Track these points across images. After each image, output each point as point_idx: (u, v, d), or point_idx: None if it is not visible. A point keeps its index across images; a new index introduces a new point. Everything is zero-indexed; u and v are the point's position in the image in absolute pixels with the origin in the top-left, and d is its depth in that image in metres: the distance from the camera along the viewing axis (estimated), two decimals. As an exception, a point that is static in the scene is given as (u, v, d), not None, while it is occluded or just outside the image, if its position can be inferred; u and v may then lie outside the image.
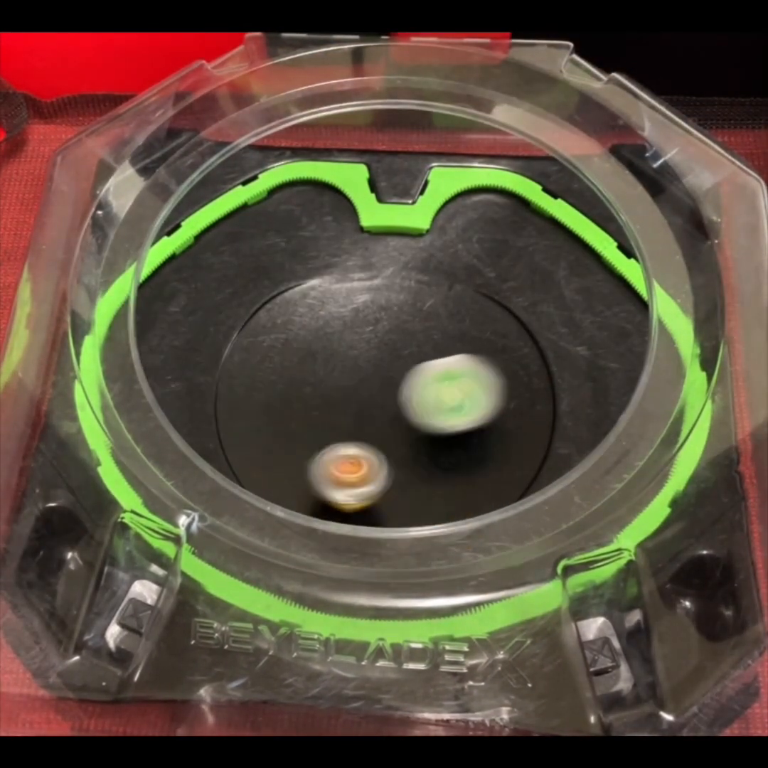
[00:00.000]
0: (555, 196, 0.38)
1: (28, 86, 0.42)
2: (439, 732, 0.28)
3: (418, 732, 0.29)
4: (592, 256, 0.37)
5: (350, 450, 0.32)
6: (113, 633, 0.29)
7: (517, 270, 0.37)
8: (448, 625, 0.29)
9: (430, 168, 0.39)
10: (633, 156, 0.36)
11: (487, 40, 0.38)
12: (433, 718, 0.28)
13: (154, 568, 0.30)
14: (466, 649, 0.29)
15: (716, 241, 0.34)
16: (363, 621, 0.29)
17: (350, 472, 0.31)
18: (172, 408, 0.34)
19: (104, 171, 0.36)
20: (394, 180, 0.39)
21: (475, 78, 0.37)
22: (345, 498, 0.31)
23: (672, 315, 0.33)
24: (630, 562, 0.29)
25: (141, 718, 0.30)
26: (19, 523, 0.31)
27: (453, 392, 0.32)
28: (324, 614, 0.29)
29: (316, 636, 0.29)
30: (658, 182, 0.35)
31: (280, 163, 0.39)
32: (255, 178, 0.39)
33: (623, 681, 0.28)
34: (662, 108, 0.36)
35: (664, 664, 0.28)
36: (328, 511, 0.32)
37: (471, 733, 0.28)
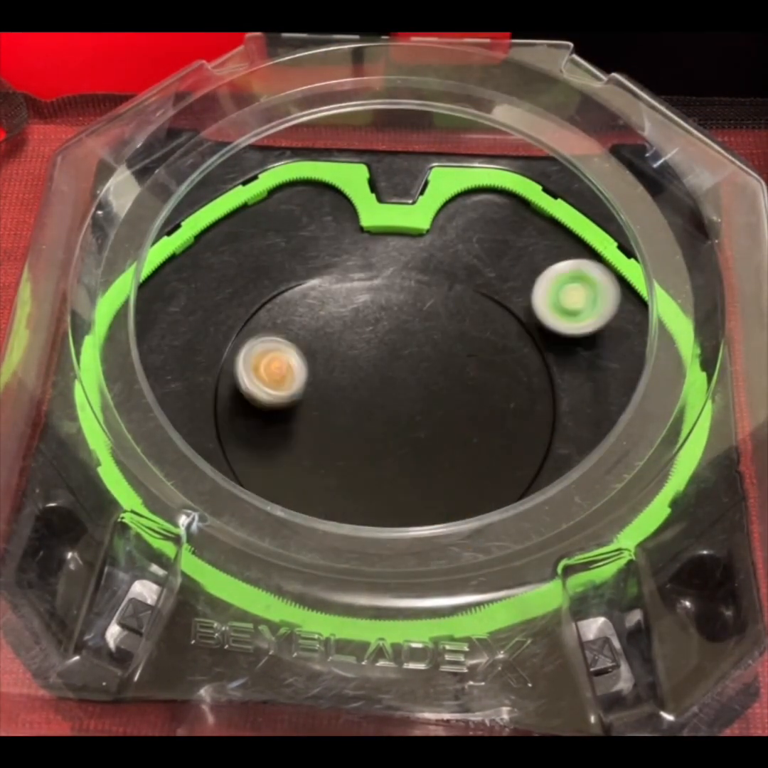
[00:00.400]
0: (555, 196, 0.38)
1: (28, 86, 0.42)
2: (439, 732, 0.28)
3: (418, 732, 0.29)
4: (592, 256, 0.37)
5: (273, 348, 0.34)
6: (113, 633, 0.29)
7: (517, 270, 0.37)
8: (448, 625, 0.29)
9: (430, 168, 0.39)
10: (633, 156, 0.36)
11: (487, 40, 0.38)
12: (433, 718, 0.28)
13: (154, 568, 0.30)
14: (466, 649, 0.29)
15: (716, 241, 0.34)
16: (363, 621, 0.29)
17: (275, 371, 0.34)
18: (172, 408, 0.34)
19: (104, 171, 0.36)
20: (394, 180, 0.39)
21: (475, 78, 0.37)
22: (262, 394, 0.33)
23: (672, 315, 0.33)
24: (630, 562, 0.29)
25: (141, 718, 0.30)
26: (19, 523, 0.31)
27: (575, 296, 0.34)
28: (324, 614, 0.29)
29: (316, 636, 0.29)
30: (658, 182, 0.35)
31: (280, 163, 0.39)
32: (255, 178, 0.39)
33: (623, 681, 0.28)
34: (662, 108, 0.36)
35: (664, 664, 0.28)
36: (329, 511, 0.32)
37: (471, 733, 0.28)
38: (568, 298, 0.34)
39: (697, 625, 0.29)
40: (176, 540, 0.30)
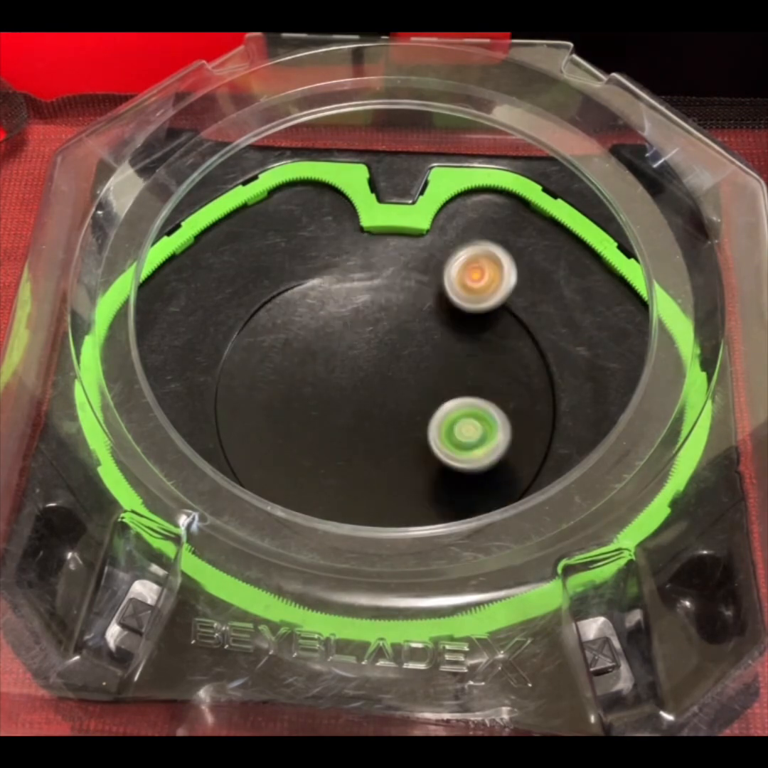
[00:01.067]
0: (555, 196, 0.38)
1: (28, 86, 0.42)
2: (439, 732, 0.28)
3: (418, 732, 0.29)
4: (592, 256, 0.37)
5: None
6: (113, 633, 0.29)
7: (517, 270, 0.37)
8: (448, 625, 0.29)
9: (430, 168, 0.39)
10: (633, 156, 0.36)
11: (487, 40, 0.38)
12: (433, 718, 0.28)
13: (155, 568, 0.30)
14: (466, 648, 0.29)
15: (716, 241, 0.34)
16: (363, 621, 0.29)
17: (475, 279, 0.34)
18: (172, 408, 0.34)
19: (104, 171, 0.36)
20: (394, 180, 0.39)
21: (475, 78, 0.37)
22: None
23: (672, 315, 0.33)
24: (630, 562, 0.29)
25: (141, 718, 0.30)
26: (19, 523, 0.31)
27: (469, 429, 0.33)
28: (324, 614, 0.29)
29: (316, 636, 0.29)
30: (658, 182, 0.35)
31: (280, 163, 0.39)
32: (255, 178, 0.39)
33: (623, 681, 0.28)
34: (662, 108, 0.36)
35: (664, 664, 0.28)
36: (329, 511, 0.32)
37: (471, 733, 0.28)
38: (462, 431, 0.33)
39: (697, 625, 0.29)
40: (176, 540, 0.30)
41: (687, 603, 0.29)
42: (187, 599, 0.30)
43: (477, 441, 0.32)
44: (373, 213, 0.38)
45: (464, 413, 0.33)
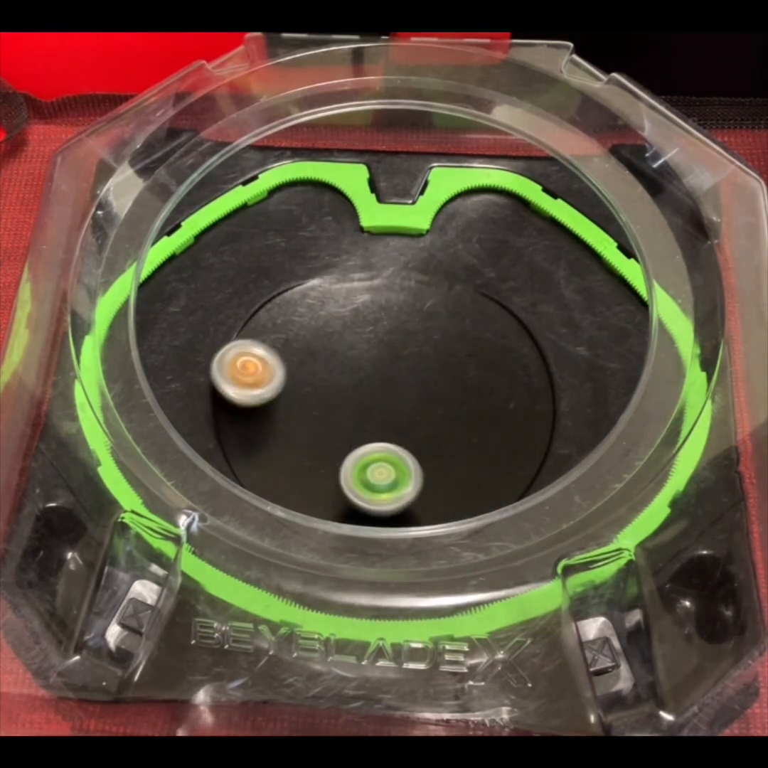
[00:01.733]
0: (555, 196, 0.38)
1: (28, 86, 0.42)
2: (439, 732, 0.28)
3: (418, 732, 0.29)
4: (592, 256, 0.37)
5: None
6: (113, 633, 0.29)
7: (517, 270, 0.37)
8: (448, 625, 0.29)
9: (430, 168, 0.39)
10: (633, 156, 0.36)
11: (487, 40, 0.38)
12: (433, 718, 0.28)
13: (155, 568, 0.30)
14: (466, 648, 0.29)
15: (716, 241, 0.34)
16: (363, 621, 0.29)
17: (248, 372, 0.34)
18: (172, 408, 0.34)
19: (104, 171, 0.36)
20: (394, 180, 0.39)
21: (475, 78, 0.37)
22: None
23: (672, 315, 0.33)
24: (630, 562, 0.29)
25: (141, 718, 0.30)
26: (19, 523, 0.31)
27: (381, 473, 0.33)
28: (324, 614, 0.29)
29: (316, 636, 0.29)
30: (658, 182, 0.35)
31: (280, 163, 0.39)
32: (255, 178, 0.39)
33: (623, 681, 0.28)
34: (662, 108, 0.36)
35: (664, 664, 0.28)
36: (329, 511, 0.32)
37: (471, 733, 0.28)
38: (374, 475, 0.32)
39: (696, 625, 0.29)
40: (176, 540, 0.30)
41: (687, 603, 0.29)
42: (187, 599, 0.30)
43: (387, 486, 0.32)
44: (373, 213, 0.38)
45: (379, 457, 0.33)
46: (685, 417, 0.31)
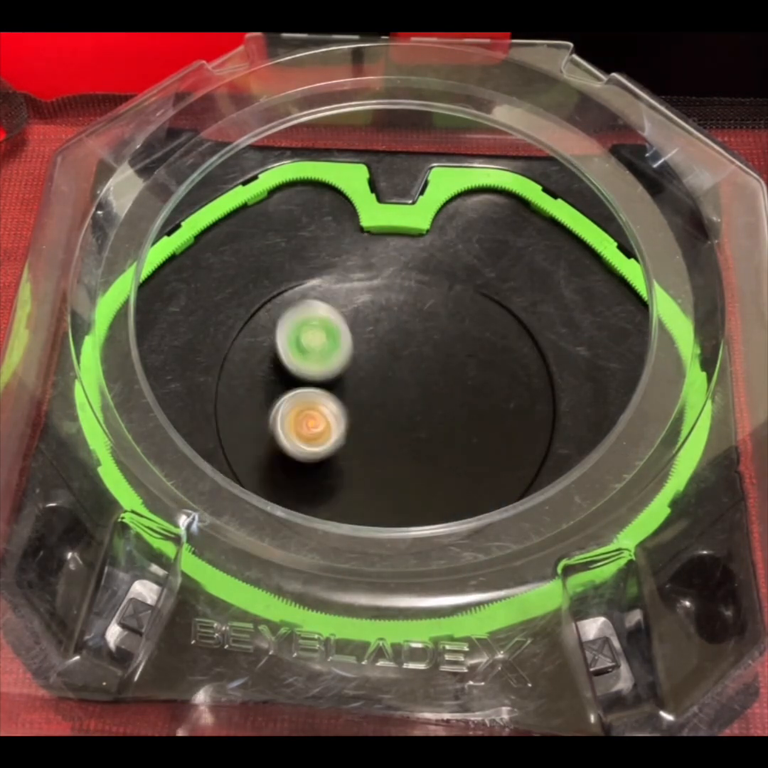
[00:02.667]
0: (555, 196, 0.38)
1: (28, 86, 0.42)
2: (439, 732, 0.28)
3: (418, 732, 0.29)
4: (592, 256, 0.37)
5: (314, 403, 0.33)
6: (113, 633, 0.29)
7: (517, 270, 0.37)
8: (448, 625, 0.29)
9: (430, 168, 0.39)
10: (633, 156, 0.36)
11: (487, 40, 0.38)
12: (433, 718, 0.28)
13: (155, 568, 0.30)
14: (466, 648, 0.29)
15: (716, 241, 0.34)
16: (363, 621, 0.29)
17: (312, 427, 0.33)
18: (172, 408, 0.34)
19: (104, 171, 0.36)
20: (394, 180, 0.39)
21: (475, 78, 0.37)
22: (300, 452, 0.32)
23: (672, 315, 0.33)
24: (630, 562, 0.29)
25: (141, 718, 0.30)
26: (19, 523, 0.31)
27: (314, 336, 0.33)
28: (324, 614, 0.29)
29: (316, 636, 0.29)
30: (658, 182, 0.35)
31: (280, 163, 0.39)
32: (255, 178, 0.39)
33: (623, 681, 0.28)
34: (662, 108, 0.36)
35: (664, 664, 0.28)
36: (329, 511, 0.32)
37: (471, 733, 0.28)
38: (308, 339, 0.33)
39: (696, 625, 0.29)
40: (176, 540, 0.30)
41: (687, 603, 0.29)
42: (187, 599, 0.30)
43: (321, 349, 0.33)
44: (373, 213, 0.38)
45: (309, 321, 0.34)
46: (685, 417, 0.31)
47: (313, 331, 0.34)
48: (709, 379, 0.32)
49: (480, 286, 0.37)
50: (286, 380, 0.36)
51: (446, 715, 0.28)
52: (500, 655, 0.29)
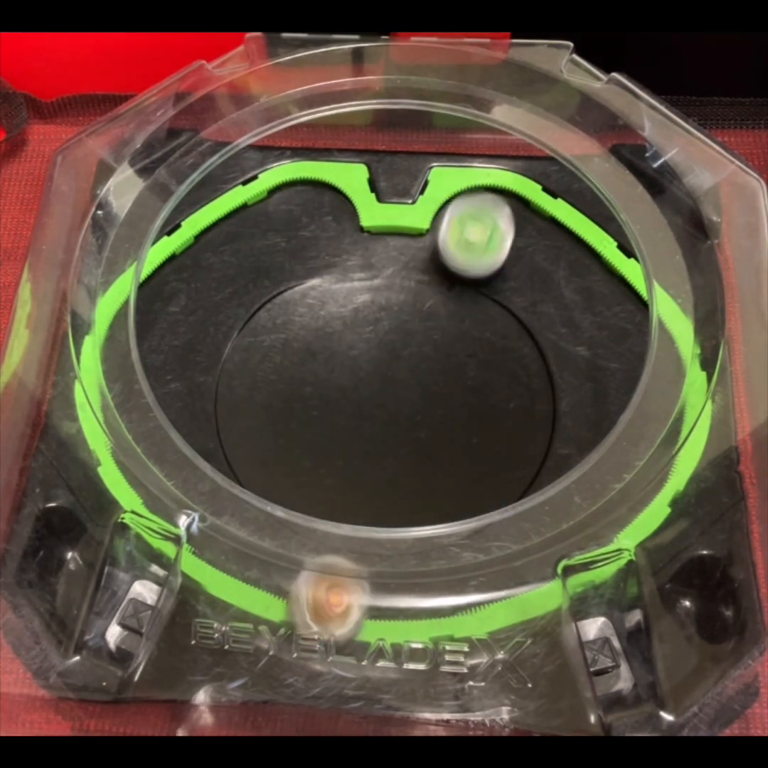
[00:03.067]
0: (555, 196, 0.38)
1: (28, 86, 0.42)
2: (439, 732, 0.28)
3: (418, 732, 0.29)
4: (592, 256, 0.37)
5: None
6: (113, 633, 0.29)
7: (517, 270, 0.37)
8: (448, 625, 0.29)
9: (430, 168, 0.39)
10: (633, 156, 0.36)
11: (487, 40, 0.38)
12: (433, 718, 0.28)
13: (155, 568, 0.30)
14: (466, 649, 0.29)
15: (716, 241, 0.34)
16: (363, 621, 0.29)
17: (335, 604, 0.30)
18: (172, 408, 0.34)
19: (104, 171, 0.36)
20: (394, 180, 0.39)
21: (475, 78, 0.37)
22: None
23: (672, 315, 0.33)
24: (630, 562, 0.29)
25: (141, 718, 0.30)
26: (19, 523, 0.31)
27: (476, 230, 0.34)
28: (324, 614, 0.29)
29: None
30: (658, 182, 0.35)
31: (280, 163, 0.39)
32: (255, 178, 0.39)
33: (623, 681, 0.28)
34: (662, 108, 0.36)
35: (664, 664, 0.28)
36: (329, 511, 0.32)
37: (471, 733, 0.28)
38: (471, 232, 0.34)
39: (696, 625, 0.29)
40: (176, 540, 0.30)
41: (687, 603, 0.29)
42: (187, 599, 0.30)
43: (486, 242, 0.34)
44: (373, 213, 0.38)
45: (471, 214, 0.34)
46: (685, 417, 0.31)
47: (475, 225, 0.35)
48: (709, 379, 0.32)
49: (480, 286, 0.37)
50: (285, 380, 0.36)
51: (446, 715, 0.28)
52: (500, 655, 0.29)
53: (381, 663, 0.29)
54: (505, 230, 0.35)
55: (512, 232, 0.36)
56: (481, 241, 0.35)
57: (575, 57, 0.37)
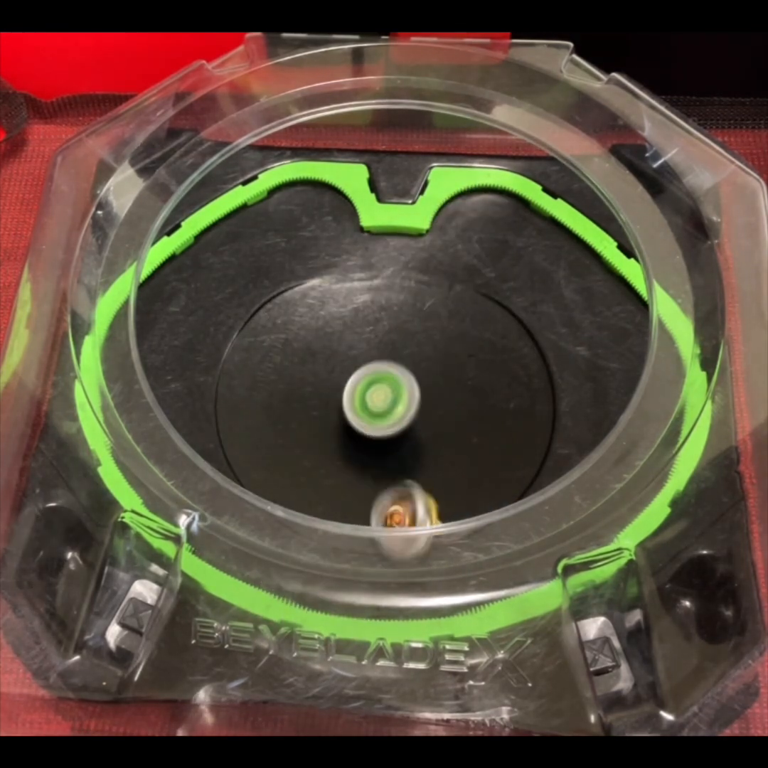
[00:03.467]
0: (555, 196, 0.38)
1: (28, 86, 0.42)
2: (440, 732, 0.28)
3: (418, 732, 0.29)
4: (592, 256, 0.37)
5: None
6: (113, 633, 0.29)
7: (517, 270, 0.37)
8: (449, 625, 0.29)
9: (430, 168, 0.39)
10: (633, 156, 0.36)
11: (487, 40, 0.38)
12: (434, 718, 0.28)
13: (155, 568, 0.30)
14: (466, 648, 0.29)
15: (716, 241, 0.34)
16: (363, 621, 0.29)
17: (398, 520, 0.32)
18: (172, 408, 0.34)
19: (104, 171, 0.36)
20: (394, 180, 0.39)
21: (475, 78, 0.37)
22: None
23: (672, 315, 0.33)
24: (630, 561, 0.29)
25: (141, 718, 0.30)
26: (19, 523, 0.31)
27: (379, 396, 0.33)
28: (324, 614, 0.29)
29: (316, 636, 0.29)
30: (658, 182, 0.35)
31: (280, 163, 0.39)
32: (255, 178, 0.39)
33: (623, 681, 0.28)
34: (662, 108, 0.36)
35: (664, 664, 0.28)
36: (329, 511, 0.32)
37: (471, 733, 0.28)
38: (373, 399, 0.33)
39: (696, 625, 0.29)
40: (176, 540, 0.30)
41: (687, 603, 0.29)
42: (187, 599, 0.30)
43: (386, 408, 0.33)
44: (373, 213, 0.38)
45: (374, 379, 0.33)
46: (685, 417, 0.31)
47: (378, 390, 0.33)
48: (709, 379, 0.32)
49: (480, 286, 0.37)
50: (285, 380, 0.36)
51: (446, 715, 0.28)
52: (500, 655, 0.29)
53: (381, 662, 0.29)
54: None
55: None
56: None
57: (575, 57, 0.37)
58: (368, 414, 0.33)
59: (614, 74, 0.36)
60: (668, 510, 0.30)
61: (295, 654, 0.29)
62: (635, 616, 0.29)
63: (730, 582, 0.29)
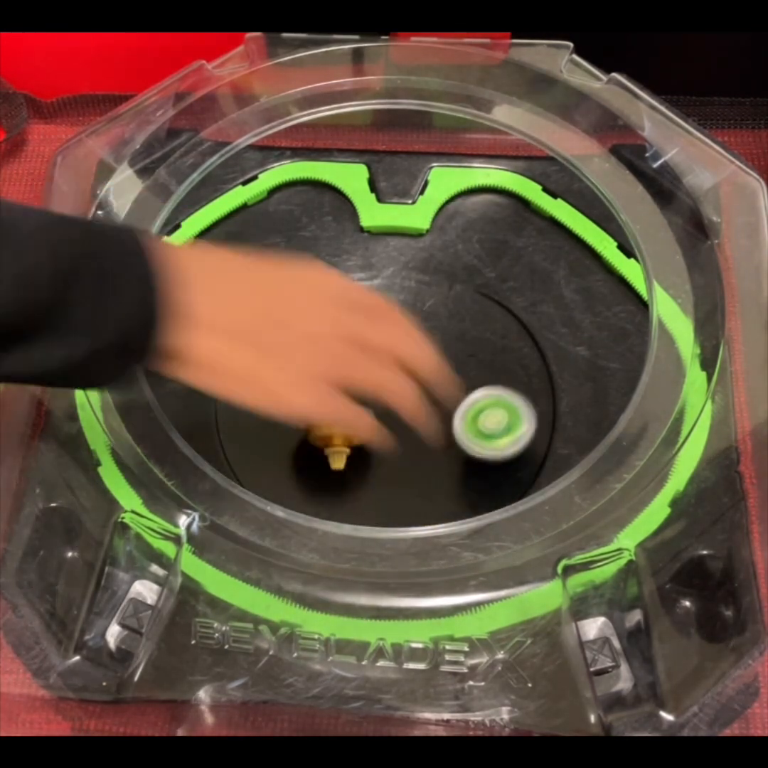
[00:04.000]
0: (555, 196, 0.38)
1: (28, 86, 0.42)
2: (440, 732, 0.28)
3: (418, 732, 0.29)
4: (592, 256, 0.37)
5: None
6: (113, 633, 0.29)
7: (517, 270, 0.37)
8: (449, 625, 0.29)
9: (430, 168, 0.39)
10: (633, 156, 0.36)
11: (487, 40, 0.38)
12: (434, 718, 0.28)
13: (155, 568, 0.30)
14: (466, 648, 0.29)
15: (716, 241, 0.34)
16: (363, 621, 0.29)
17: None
18: (172, 408, 0.34)
19: (104, 171, 0.36)
20: (394, 180, 0.39)
21: (475, 78, 0.37)
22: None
23: (672, 315, 0.33)
24: (630, 561, 0.29)
25: (141, 718, 0.30)
26: (19, 523, 0.31)
27: (492, 419, 0.33)
28: (324, 614, 0.29)
29: (316, 636, 0.29)
30: (658, 182, 0.35)
31: (280, 163, 0.39)
32: (255, 178, 0.39)
33: (623, 681, 0.28)
34: (662, 108, 0.36)
35: (664, 664, 0.28)
36: (329, 511, 0.32)
37: (471, 733, 0.28)
38: (487, 421, 0.33)
39: (696, 625, 0.29)
40: (176, 540, 0.30)
41: (687, 603, 0.29)
42: (187, 599, 0.30)
43: (502, 430, 0.32)
44: (373, 213, 0.38)
45: (490, 403, 0.33)
46: (685, 417, 0.31)
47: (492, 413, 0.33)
48: (709, 379, 0.32)
49: (480, 286, 0.37)
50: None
51: (446, 715, 0.28)
52: (500, 655, 0.29)
53: (381, 663, 0.29)
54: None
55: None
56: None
57: (575, 57, 0.37)
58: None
59: (614, 74, 0.36)
60: (668, 510, 0.30)
61: (295, 654, 0.29)
62: (635, 616, 0.29)
63: (730, 582, 0.29)
